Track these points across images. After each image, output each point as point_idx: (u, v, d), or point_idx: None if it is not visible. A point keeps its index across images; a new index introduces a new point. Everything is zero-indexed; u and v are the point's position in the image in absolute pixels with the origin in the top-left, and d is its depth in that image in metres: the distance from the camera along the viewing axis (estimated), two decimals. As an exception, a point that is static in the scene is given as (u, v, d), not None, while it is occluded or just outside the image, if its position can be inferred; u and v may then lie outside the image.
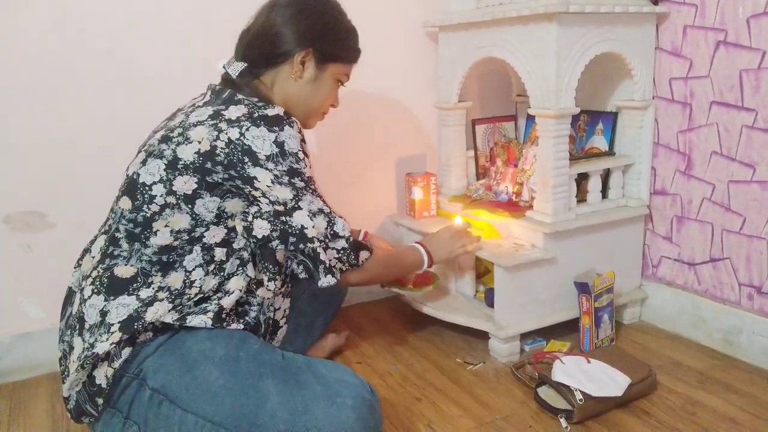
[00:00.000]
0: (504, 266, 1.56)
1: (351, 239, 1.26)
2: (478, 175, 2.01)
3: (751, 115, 1.52)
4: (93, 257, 1.20)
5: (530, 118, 1.96)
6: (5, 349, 1.60)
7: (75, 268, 1.24)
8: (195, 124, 1.16)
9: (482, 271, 1.82)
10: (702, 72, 1.61)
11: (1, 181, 1.56)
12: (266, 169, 1.14)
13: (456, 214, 1.82)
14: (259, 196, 1.16)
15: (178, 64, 1.67)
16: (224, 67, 1.29)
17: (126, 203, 1.16)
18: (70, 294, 1.23)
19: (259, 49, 1.28)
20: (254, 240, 1.20)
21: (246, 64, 1.27)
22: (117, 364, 1.07)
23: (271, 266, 1.22)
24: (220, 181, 1.14)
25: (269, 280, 1.23)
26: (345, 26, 1.36)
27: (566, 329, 1.70)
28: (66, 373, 1.15)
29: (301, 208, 1.18)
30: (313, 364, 1.13)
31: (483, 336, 1.67)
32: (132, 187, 1.16)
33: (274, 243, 1.19)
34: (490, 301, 1.67)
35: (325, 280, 1.23)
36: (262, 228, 1.18)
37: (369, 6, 1.89)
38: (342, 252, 1.25)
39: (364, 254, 1.31)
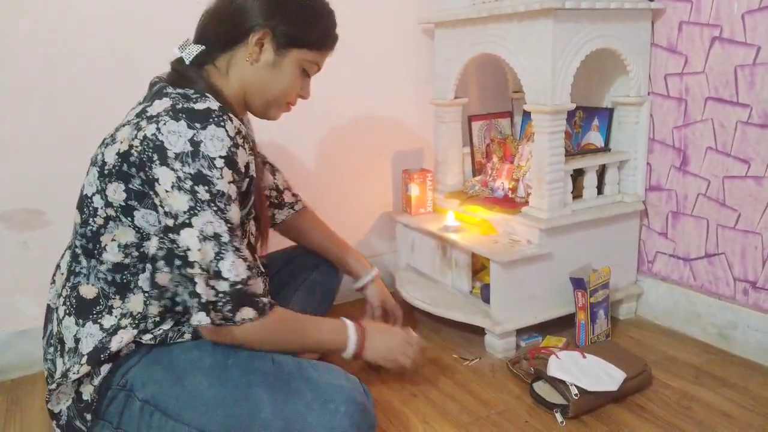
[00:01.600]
0: (500, 262, 1.57)
1: (236, 287, 1.01)
2: (474, 172, 2.02)
3: (746, 110, 1.52)
4: (62, 274, 1.16)
5: (526, 115, 1.96)
6: (2, 347, 1.60)
7: (51, 284, 1.20)
8: (124, 124, 1.07)
9: (478, 267, 1.82)
10: (697, 68, 1.62)
11: (-3, 179, 1.56)
12: (171, 168, 0.98)
13: (451, 209, 1.83)
14: (158, 205, 1.01)
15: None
16: (180, 50, 1.16)
17: (77, 217, 1.11)
18: (48, 312, 1.19)
19: (216, 29, 1.15)
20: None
21: (203, 47, 1.14)
22: (97, 381, 1.05)
23: (149, 288, 1.06)
24: (140, 188, 1.03)
25: (146, 303, 1.07)
26: (314, 7, 1.19)
27: (562, 325, 1.70)
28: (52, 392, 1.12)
29: (192, 226, 0.98)
30: (304, 368, 1.09)
31: (479, 332, 1.68)
32: (80, 200, 1.11)
33: (160, 263, 1.02)
34: (486, 297, 1.68)
35: (196, 318, 1.01)
36: (152, 245, 1.03)
37: (365, 2, 1.90)
38: (220, 297, 1.01)
39: (246, 312, 1.04)
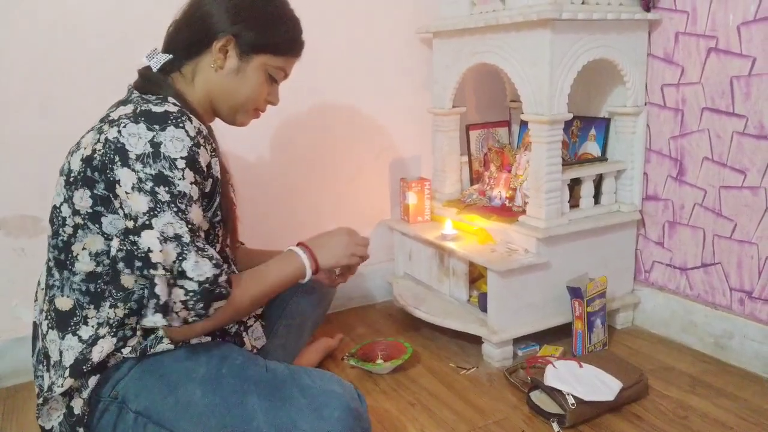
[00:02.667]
0: (497, 271, 1.57)
1: (204, 286, 0.99)
2: (471, 180, 2.03)
3: (742, 121, 1.53)
4: (42, 289, 1.15)
5: (524, 124, 1.97)
6: (-2, 354, 1.60)
7: (34, 301, 1.19)
8: (89, 130, 1.08)
9: (476, 276, 1.82)
10: (693, 78, 1.63)
11: (-5, 186, 1.56)
12: (132, 170, 0.98)
13: (449, 218, 1.83)
14: (118, 207, 1.01)
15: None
16: (148, 58, 1.16)
17: (49, 230, 1.10)
18: (35, 328, 1.18)
19: (182, 37, 1.16)
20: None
21: (170, 56, 1.16)
22: (85, 393, 1.05)
23: (114, 290, 1.05)
24: (104, 193, 1.02)
25: (110, 306, 1.05)
26: (279, 13, 1.19)
27: (559, 334, 1.70)
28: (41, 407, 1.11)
29: (152, 227, 0.97)
30: (298, 376, 1.08)
31: (476, 340, 1.68)
32: (51, 212, 1.10)
33: (120, 265, 1.00)
34: (483, 305, 1.68)
35: (151, 319, 0.97)
36: (113, 246, 1.02)
37: (363, 10, 1.91)
38: (190, 296, 0.99)
39: (217, 304, 1.03)
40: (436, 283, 1.87)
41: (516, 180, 1.78)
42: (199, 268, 0.99)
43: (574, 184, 1.72)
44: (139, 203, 0.98)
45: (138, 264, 0.98)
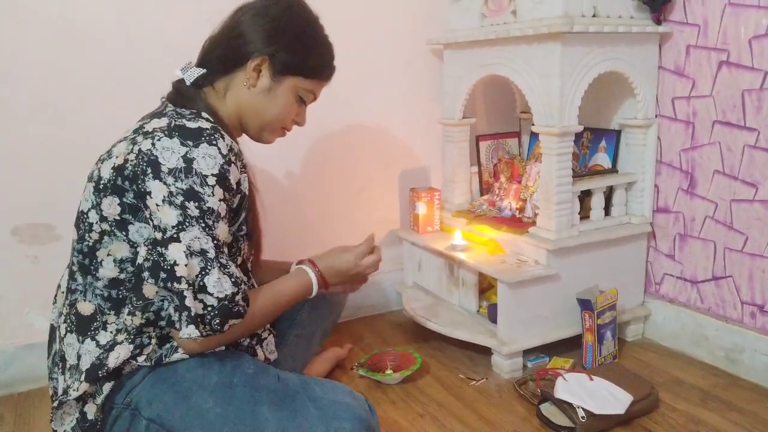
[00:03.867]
0: (507, 282, 1.57)
1: (223, 303, 1.02)
2: (481, 191, 2.03)
3: (753, 134, 1.53)
4: (62, 293, 1.17)
5: (534, 135, 1.97)
6: (10, 360, 1.61)
7: (53, 304, 1.21)
8: (121, 140, 1.10)
9: (485, 287, 1.82)
10: (704, 91, 1.63)
11: (8, 194, 1.58)
12: (164, 183, 1.00)
13: (459, 228, 1.83)
14: (148, 217, 1.03)
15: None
16: (182, 71, 1.20)
17: (74, 234, 1.12)
18: (52, 331, 1.20)
19: (217, 54, 1.19)
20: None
21: (203, 70, 1.18)
22: (99, 399, 1.06)
23: (134, 298, 1.06)
24: (133, 201, 1.04)
25: (129, 313, 1.07)
26: (313, 38, 1.23)
27: (569, 346, 1.70)
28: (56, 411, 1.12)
29: (179, 241, 1.00)
30: (309, 386, 1.09)
31: (486, 352, 1.68)
32: (77, 217, 1.12)
33: (145, 274, 1.02)
34: (493, 316, 1.68)
35: (186, 332, 1.00)
36: (141, 255, 1.04)
37: (374, 22, 1.92)
38: (208, 311, 1.01)
39: (233, 321, 1.05)
40: (445, 293, 1.87)
41: (526, 191, 1.78)
42: (220, 284, 1.02)
43: (585, 196, 1.72)
44: (169, 216, 1.00)
45: (163, 275, 1.00)
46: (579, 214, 1.68)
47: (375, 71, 1.95)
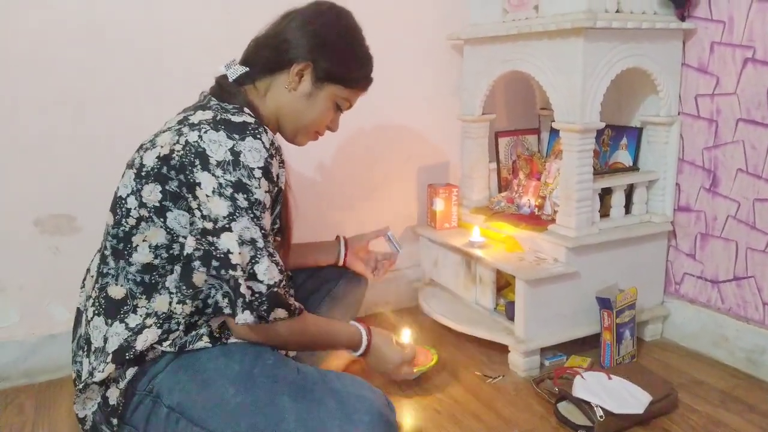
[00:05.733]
0: (525, 280, 1.56)
1: (272, 290, 1.07)
2: (500, 188, 2.02)
3: (779, 133, 1.51)
4: (92, 276, 1.19)
5: (553, 132, 1.96)
6: (31, 350, 1.63)
7: (81, 288, 1.24)
8: (165, 130, 1.13)
9: (503, 284, 1.81)
10: (729, 89, 1.60)
11: (31, 185, 1.59)
12: (213, 175, 1.04)
13: (477, 225, 1.83)
14: (195, 208, 1.06)
15: (205, 70, 1.69)
16: (226, 68, 1.24)
17: (110, 218, 1.14)
18: (78, 314, 1.23)
19: (262, 55, 1.23)
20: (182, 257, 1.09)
21: (247, 69, 1.23)
22: (123, 384, 1.08)
23: (184, 287, 1.09)
24: (176, 189, 1.07)
25: (179, 302, 1.10)
26: (356, 49, 1.28)
27: (587, 344, 1.69)
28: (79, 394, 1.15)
29: (231, 230, 1.04)
30: (329, 379, 1.11)
31: (503, 349, 1.67)
32: (114, 202, 1.14)
33: (196, 263, 1.05)
34: (510, 314, 1.67)
35: (242, 317, 1.05)
36: (189, 245, 1.06)
37: (394, 17, 1.91)
38: (256, 297, 1.06)
39: (279, 312, 1.09)
40: (462, 290, 1.86)
41: (545, 188, 1.77)
42: (269, 272, 1.06)
43: (605, 194, 1.71)
44: (220, 207, 1.04)
45: (215, 264, 1.04)
46: (599, 211, 1.67)
47: (394, 66, 1.94)
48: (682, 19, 1.65)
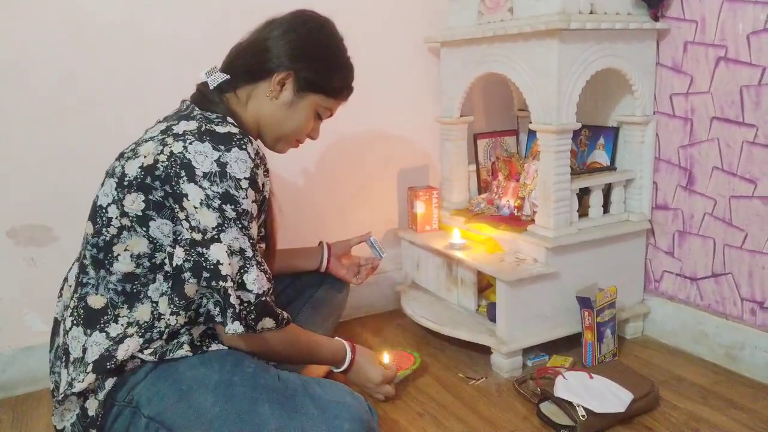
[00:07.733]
0: (506, 281, 1.57)
1: (261, 299, 1.08)
2: (479, 189, 2.02)
3: (752, 130, 1.52)
4: (70, 286, 1.18)
5: (532, 133, 1.97)
6: (8, 362, 1.61)
7: (58, 297, 1.23)
8: (147, 139, 1.12)
9: (484, 286, 1.82)
10: (703, 88, 1.62)
11: (5, 195, 1.57)
12: (200, 186, 1.04)
13: (457, 227, 1.83)
14: (182, 219, 1.06)
15: (189, 83, 1.68)
16: (206, 75, 1.24)
17: (89, 228, 1.13)
18: (56, 324, 1.22)
19: (244, 62, 1.23)
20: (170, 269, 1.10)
21: (228, 76, 1.22)
22: (101, 395, 1.06)
23: (177, 299, 1.08)
24: (160, 199, 1.07)
25: (172, 314, 1.09)
26: (337, 59, 1.28)
27: (569, 344, 1.69)
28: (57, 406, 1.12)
29: (220, 241, 1.04)
30: (309, 385, 1.11)
31: (485, 351, 1.67)
32: (93, 211, 1.13)
33: (186, 275, 1.06)
34: (492, 315, 1.67)
35: (232, 327, 1.05)
36: (178, 256, 1.06)
37: (372, 20, 1.92)
38: (244, 306, 1.06)
39: (266, 322, 1.10)
40: (444, 292, 1.86)
41: (524, 189, 1.77)
42: (258, 281, 1.08)
43: (583, 194, 1.72)
44: (208, 218, 1.04)
45: (206, 275, 1.04)
46: (577, 211, 1.68)
47: (372, 69, 1.93)
48: (656, 19, 1.67)
